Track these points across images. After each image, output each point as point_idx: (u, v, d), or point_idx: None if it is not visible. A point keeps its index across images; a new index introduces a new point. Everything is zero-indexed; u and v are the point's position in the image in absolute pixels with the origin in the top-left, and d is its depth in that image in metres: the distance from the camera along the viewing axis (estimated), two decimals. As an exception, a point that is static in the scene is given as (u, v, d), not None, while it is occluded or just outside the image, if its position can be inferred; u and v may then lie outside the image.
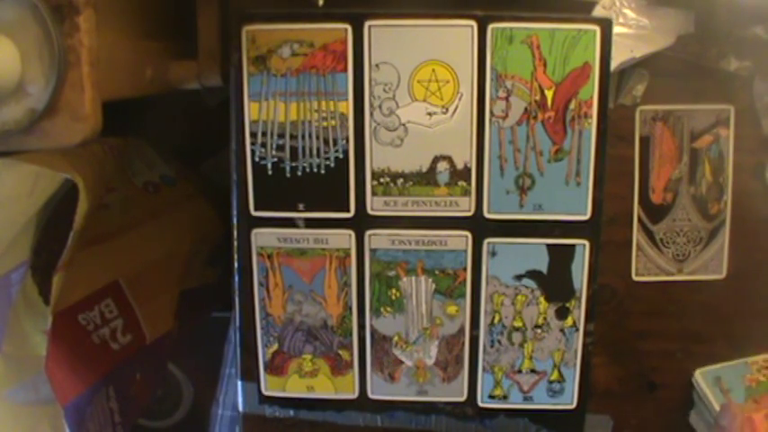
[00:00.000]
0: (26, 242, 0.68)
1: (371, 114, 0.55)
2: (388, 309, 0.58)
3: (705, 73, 0.59)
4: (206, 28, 0.62)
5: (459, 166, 0.56)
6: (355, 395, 0.60)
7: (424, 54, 0.54)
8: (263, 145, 0.56)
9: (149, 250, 0.75)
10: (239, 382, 0.61)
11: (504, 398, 0.60)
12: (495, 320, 0.58)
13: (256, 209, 0.57)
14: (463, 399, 0.60)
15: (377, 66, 0.54)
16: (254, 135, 0.56)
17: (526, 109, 0.55)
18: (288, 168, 0.56)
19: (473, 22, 0.54)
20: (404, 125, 0.55)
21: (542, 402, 0.60)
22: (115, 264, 0.70)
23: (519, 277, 0.57)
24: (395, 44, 0.54)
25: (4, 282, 0.66)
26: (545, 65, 0.54)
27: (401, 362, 0.59)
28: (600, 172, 0.55)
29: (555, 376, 0.59)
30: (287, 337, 0.59)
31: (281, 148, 0.56)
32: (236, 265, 0.58)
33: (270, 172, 0.56)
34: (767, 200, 0.60)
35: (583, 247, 0.56)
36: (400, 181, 0.56)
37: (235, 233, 0.58)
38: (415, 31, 0.54)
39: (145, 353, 0.73)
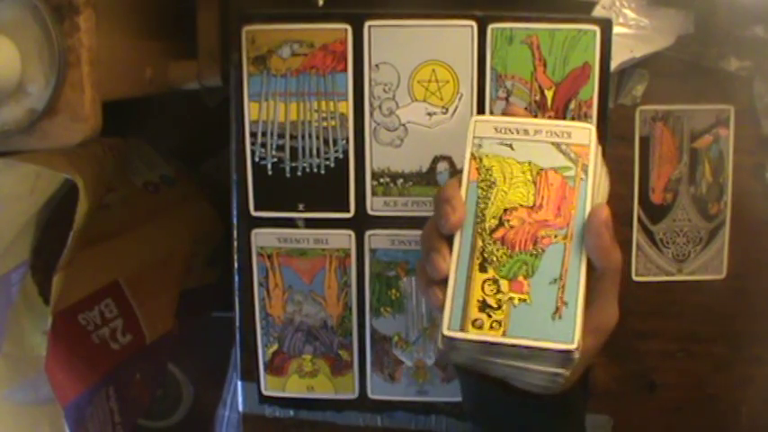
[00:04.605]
0: (26, 242, 0.68)
1: (371, 114, 0.55)
2: (388, 309, 0.58)
3: (705, 73, 0.59)
4: (206, 28, 0.62)
5: (460, 166, 0.55)
6: (355, 395, 0.60)
7: (424, 54, 0.54)
8: (263, 145, 0.56)
9: (149, 250, 0.75)
10: (239, 383, 0.61)
11: (504, 398, 0.60)
12: (495, 320, 0.58)
13: (256, 209, 0.57)
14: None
15: (377, 66, 0.54)
16: (254, 135, 0.56)
17: (526, 109, 0.55)
18: (288, 168, 0.56)
19: (473, 23, 0.54)
20: (404, 125, 0.55)
21: (542, 402, 0.59)
22: (115, 264, 0.70)
23: (519, 277, 0.57)
24: (395, 44, 0.54)
25: (4, 282, 0.66)
26: (545, 65, 0.54)
27: (401, 362, 0.59)
28: (600, 172, 0.55)
29: (555, 376, 0.59)
30: (287, 338, 0.59)
31: (281, 148, 0.56)
32: (236, 265, 0.58)
33: (270, 172, 0.56)
34: (767, 200, 0.60)
35: (583, 247, 0.56)
36: (400, 181, 0.56)
37: (235, 233, 0.58)
38: (414, 32, 0.54)
39: (145, 353, 0.73)
